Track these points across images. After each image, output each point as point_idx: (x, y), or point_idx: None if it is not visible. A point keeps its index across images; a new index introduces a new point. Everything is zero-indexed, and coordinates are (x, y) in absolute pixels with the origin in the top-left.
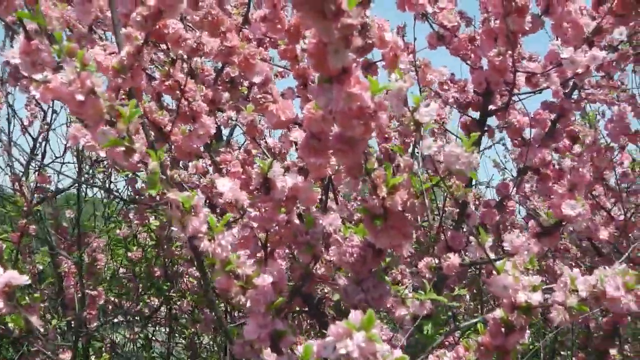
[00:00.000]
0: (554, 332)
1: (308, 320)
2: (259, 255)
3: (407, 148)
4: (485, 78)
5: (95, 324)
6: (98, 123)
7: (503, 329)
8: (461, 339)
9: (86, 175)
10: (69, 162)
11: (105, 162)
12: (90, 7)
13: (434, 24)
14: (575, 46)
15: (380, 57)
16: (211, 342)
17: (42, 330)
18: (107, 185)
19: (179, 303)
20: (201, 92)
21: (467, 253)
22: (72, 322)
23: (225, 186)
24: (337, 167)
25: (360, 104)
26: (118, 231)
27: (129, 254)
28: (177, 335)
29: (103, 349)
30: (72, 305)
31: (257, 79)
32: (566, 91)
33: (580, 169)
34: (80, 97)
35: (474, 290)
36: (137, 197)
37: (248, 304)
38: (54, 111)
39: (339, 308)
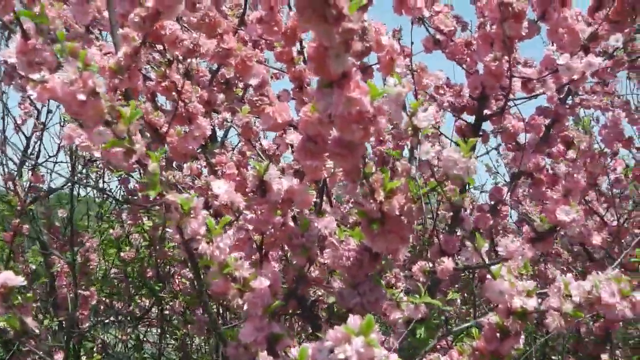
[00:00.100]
0: (545, 336)
1: (299, 322)
2: (253, 257)
3: (401, 151)
4: (480, 82)
5: (87, 324)
6: (97, 124)
7: (498, 334)
8: (454, 343)
9: (79, 175)
10: (62, 162)
11: (98, 162)
12: (88, 8)
13: (430, 27)
14: (571, 52)
15: (376, 61)
16: (203, 344)
17: (37, 331)
18: (101, 185)
19: (171, 304)
20: (197, 94)
21: (460, 257)
22: (64, 322)
23: (221, 188)
24: (332, 170)
25: (360, 108)
26: (111, 231)
27: (122, 254)
28: (168, 336)
29: (94, 349)
30: (64, 305)
31: (253, 82)
32: (561, 97)
33: (575, 175)
34: (82, 97)
35: (466, 294)
36: (130, 197)
37: (245, 307)
38: (49, 110)
39: (332, 310)
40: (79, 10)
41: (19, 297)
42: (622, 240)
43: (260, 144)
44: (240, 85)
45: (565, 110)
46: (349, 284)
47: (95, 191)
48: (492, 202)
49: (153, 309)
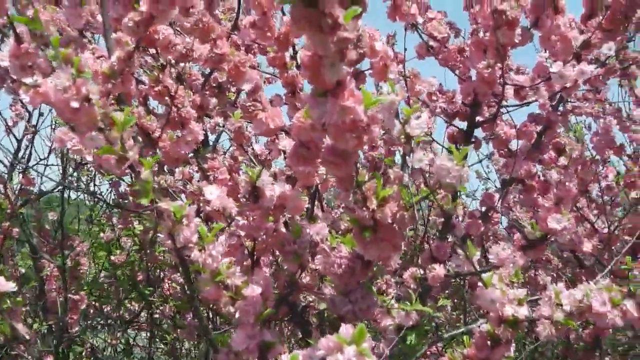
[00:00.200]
0: (534, 342)
1: (289, 327)
2: (245, 263)
3: (393, 157)
4: (473, 89)
5: (76, 328)
6: (90, 130)
7: (489, 342)
8: (445, 350)
9: (70, 178)
10: (53, 165)
11: (89, 165)
12: (81, 12)
13: (424, 34)
14: (563, 60)
15: (369, 66)
16: (192, 348)
17: (27, 337)
18: (92, 188)
19: (161, 308)
20: (189, 98)
21: (451, 263)
22: (54, 326)
23: (213, 194)
24: (324, 176)
25: (354, 117)
26: (102, 234)
27: (112, 257)
28: (157, 340)
29: (83, 353)
30: (54, 309)
31: (246, 87)
32: (553, 104)
33: (567, 184)
34: (75, 104)
35: (457, 300)
36: (121, 200)
37: (237, 315)
38: (40, 113)
39: (323, 316)
40: (73, 14)
41: (8, 301)
42: (613, 247)
43: (252, 148)
44: (233, 89)
45: (557, 117)
46: (340, 291)
47: (85, 194)
48: (483, 209)
49: (143, 313)
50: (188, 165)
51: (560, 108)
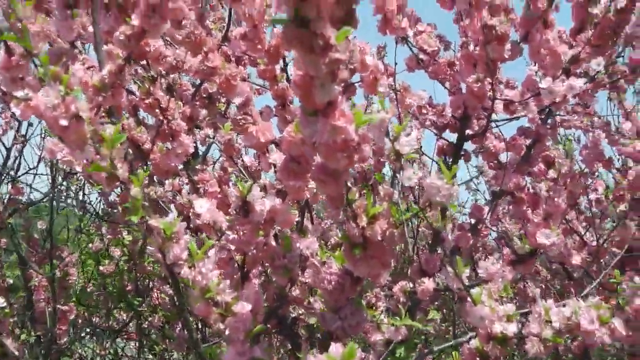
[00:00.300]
0: (524, 356)
1: (278, 338)
2: (235, 277)
3: (381, 167)
4: (463, 103)
5: (65, 339)
6: (80, 147)
7: (478, 359)
8: None
9: (59, 187)
10: (42, 174)
11: (78, 175)
12: (72, 24)
13: (414, 47)
14: (552, 74)
15: (359, 78)
16: (181, 358)
17: (16, 353)
18: (81, 197)
19: (150, 319)
20: (179, 109)
21: (440, 276)
22: (42, 337)
23: (203, 207)
24: (314, 190)
25: (345, 137)
26: (90, 245)
27: (101, 267)
28: (146, 350)
29: None
30: (42, 319)
31: (237, 100)
32: (542, 117)
33: (556, 199)
34: (64, 122)
35: (445, 311)
36: (110, 209)
37: (227, 332)
38: (29, 123)
39: (312, 329)
40: (64, 26)
41: None
42: (601, 260)
43: (242, 160)
44: (223, 99)
45: (546, 130)
46: (330, 307)
47: (75, 203)
48: (473, 221)
49: (131, 323)
50: (178, 177)
51: (550, 121)
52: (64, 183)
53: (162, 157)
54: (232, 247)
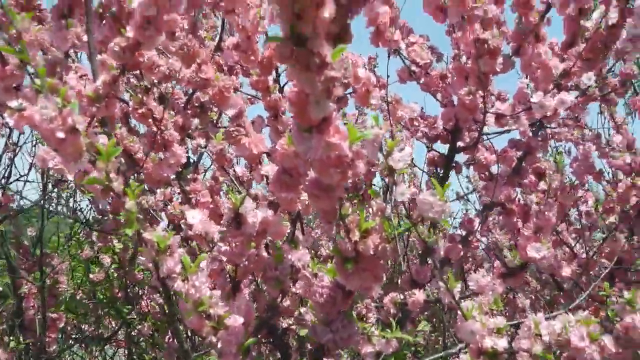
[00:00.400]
0: None
1: (268, 347)
2: (227, 288)
3: (372, 177)
4: (454, 115)
5: (54, 347)
6: (76, 160)
7: None
8: None
9: (50, 194)
10: (32, 181)
11: (69, 182)
12: (67, 34)
13: (406, 59)
14: (544, 88)
15: (351, 89)
16: None
17: None
18: (72, 204)
19: (139, 327)
20: (172, 119)
21: (430, 286)
22: (31, 345)
23: (195, 218)
24: (306, 202)
25: (339, 153)
26: (80, 252)
27: (91, 275)
28: (135, 358)
29: None
30: (32, 327)
31: (230, 112)
32: (533, 129)
33: (547, 213)
34: (61, 135)
35: (435, 320)
36: (101, 217)
37: (219, 345)
38: (20, 132)
39: (303, 340)
40: (59, 36)
41: None
42: (591, 272)
43: (234, 170)
44: (215, 108)
45: (537, 143)
46: (321, 320)
47: (65, 210)
48: (463, 232)
49: (121, 331)
50: (170, 186)
51: (540, 133)
52: (55, 190)
53: (155, 167)
54: (224, 259)
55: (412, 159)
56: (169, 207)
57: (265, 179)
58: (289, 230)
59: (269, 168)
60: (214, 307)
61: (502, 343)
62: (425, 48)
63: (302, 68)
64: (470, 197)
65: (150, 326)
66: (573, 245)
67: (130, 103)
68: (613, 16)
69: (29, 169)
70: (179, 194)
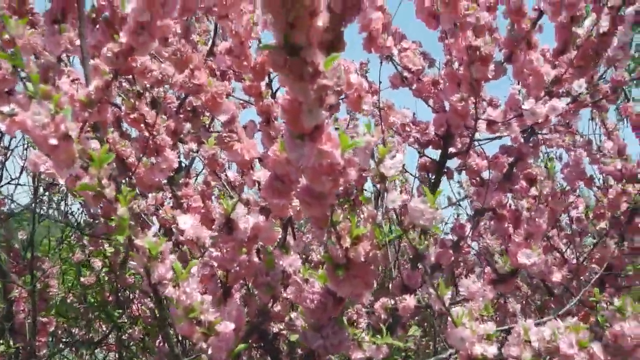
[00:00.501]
0: None
1: (259, 351)
2: (217, 293)
3: (364, 182)
4: (446, 121)
5: (44, 351)
6: (69, 166)
7: None
8: None
9: (41, 197)
10: (24, 185)
11: (61, 185)
12: (60, 39)
13: (398, 65)
14: (536, 95)
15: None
16: None
17: None
18: (63, 208)
19: (130, 331)
20: (164, 124)
21: (421, 291)
22: (21, 349)
23: (187, 223)
24: (298, 208)
25: (331, 160)
26: (71, 255)
27: (82, 279)
28: None
29: None
30: (22, 331)
31: (223, 118)
32: (524, 135)
33: (537, 219)
34: (54, 141)
35: (425, 325)
36: (92, 220)
37: (210, 351)
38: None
39: (293, 345)
40: (52, 41)
41: None
42: (581, 277)
43: (226, 175)
44: (207, 113)
45: (528, 149)
46: (312, 326)
47: (57, 214)
48: (455, 238)
49: (111, 334)
50: (161, 191)
51: (532, 139)
52: (46, 194)
53: (147, 172)
54: (215, 264)
55: (404, 164)
56: (160, 211)
57: (257, 185)
58: (280, 236)
59: (261, 174)
60: (204, 313)
61: (491, 350)
62: (418, 54)
63: (296, 77)
64: (462, 203)
65: (141, 330)
66: (564, 250)
67: (123, 107)
68: (604, 24)
69: (20, 173)
70: (170, 198)
